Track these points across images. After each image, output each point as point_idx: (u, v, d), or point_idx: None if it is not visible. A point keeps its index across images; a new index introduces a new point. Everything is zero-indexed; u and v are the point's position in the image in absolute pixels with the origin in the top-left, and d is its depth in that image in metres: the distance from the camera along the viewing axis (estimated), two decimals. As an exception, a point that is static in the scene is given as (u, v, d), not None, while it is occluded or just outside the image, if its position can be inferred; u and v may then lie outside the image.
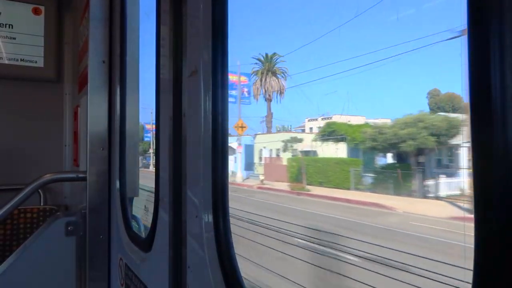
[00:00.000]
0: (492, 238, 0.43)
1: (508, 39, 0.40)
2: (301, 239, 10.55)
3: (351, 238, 10.32)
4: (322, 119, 32.50)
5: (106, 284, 1.94)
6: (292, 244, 9.91)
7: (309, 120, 36.87)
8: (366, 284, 6.96)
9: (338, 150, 25.23)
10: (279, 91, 40.79)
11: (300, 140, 29.37)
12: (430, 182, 18.42)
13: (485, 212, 0.43)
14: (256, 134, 35.13)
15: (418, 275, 7.26)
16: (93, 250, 1.92)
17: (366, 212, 15.21)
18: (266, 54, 40.79)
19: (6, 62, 2.75)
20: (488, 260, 0.43)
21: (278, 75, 40.75)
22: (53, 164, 2.90)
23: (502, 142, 0.41)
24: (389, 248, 9.20)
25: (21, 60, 2.79)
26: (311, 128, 35.56)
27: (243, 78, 33.31)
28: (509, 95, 0.40)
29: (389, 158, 22.32)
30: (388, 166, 21.12)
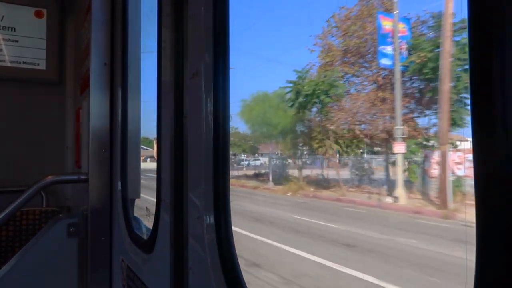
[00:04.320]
0: (494, 239, 0.43)
1: (509, 39, 0.40)
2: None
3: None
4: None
5: (108, 286, 1.95)
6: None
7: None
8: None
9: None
10: None
11: None
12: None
13: (486, 212, 0.43)
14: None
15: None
16: (95, 252, 1.93)
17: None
18: None
19: (9, 64, 2.76)
20: (489, 261, 0.44)
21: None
22: (55, 166, 2.91)
23: (503, 142, 0.41)
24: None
25: (23, 62, 2.80)
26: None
27: (401, 26, 18.50)
28: (510, 97, 0.41)
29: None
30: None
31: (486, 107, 0.42)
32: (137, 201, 1.93)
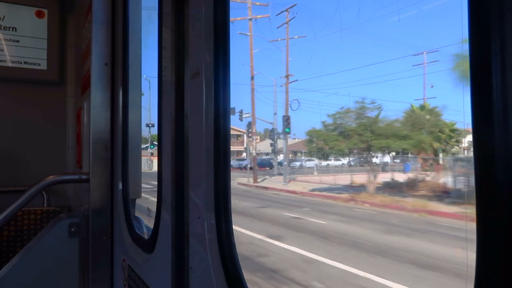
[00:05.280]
0: (494, 238, 0.43)
1: (509, 41, 0.40)
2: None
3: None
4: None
5: (109, 285, 1.95)
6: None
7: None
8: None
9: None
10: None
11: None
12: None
13: (487, 212, 0.43)
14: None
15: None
16: (96, 251, 1.93)
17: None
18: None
19: (10, 64, 2.77)
20: (490, 261, 0.44)
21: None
22: (56, 166, 2.91)
23: (504, 142, 0.41)
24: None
25: (24, 62, 2.81)
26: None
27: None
28: (510, 96, 0.41)
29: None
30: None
31: (486, 107, 0.42)
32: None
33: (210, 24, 1.03)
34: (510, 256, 0.41)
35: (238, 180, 27.87)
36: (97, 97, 1.98)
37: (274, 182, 25.36)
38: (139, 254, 1.52)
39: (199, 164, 1.07)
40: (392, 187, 17.86)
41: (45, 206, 2.77)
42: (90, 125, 1.97)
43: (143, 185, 1.98)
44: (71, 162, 2.98)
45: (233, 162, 49.61)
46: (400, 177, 18.81)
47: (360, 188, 18.37)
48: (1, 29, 2.75)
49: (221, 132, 1.01)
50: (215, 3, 1.01)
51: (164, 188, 1.23)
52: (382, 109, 19.30)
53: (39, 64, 2.85)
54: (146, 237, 1.59)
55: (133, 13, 1.87)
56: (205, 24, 1.05)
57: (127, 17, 1.86)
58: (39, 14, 2.87)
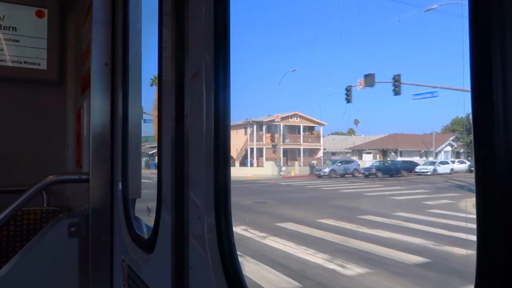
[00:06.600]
0: (495, 237, 0.43)
1: (509, 40, 0.40)
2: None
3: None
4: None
5: (109, 285, 1.95)
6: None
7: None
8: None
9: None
10: None
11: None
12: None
13: (487, 212, 0.43)
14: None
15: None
16: (96, 251, 1.93)
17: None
18: None
19: (10, 64, 2.77)
20: (490, 260, 0.44)
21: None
22: (55, 166, 2.91)
23: (504, 142, 0.41)
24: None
25: (24, 62, 2.80)
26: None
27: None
28: (510, 96, 0.41)
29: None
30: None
31: (486, 107, 0.43)
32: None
33: (210, 24, 1.03)
34: (510, 255, 0.41)
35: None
36: (97, 97, 1.98)
37: None
38: (139, 254, 1.52)
39: (199, 164, 1.07)
40: None
41: (44, 206, 2.77)
42: (90, 125, 1.97)
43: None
44: (71, 162, 2.98)
45: (337, 167, 31.40)
46: None
47: None
48: (1, 29, 2.75)
49: (221, 132, 1.01)
50: (215, 3, 1.01)
51: (164, 188, 1.23)
52: None
53: (39, 64, 2.85)
54: (146, 237, 1.59)
55: (133, 13, 1.87)
56: (205, 24, 1.05)
57: (127, 17, 1.86)
58: (39, 14, 2.86)
